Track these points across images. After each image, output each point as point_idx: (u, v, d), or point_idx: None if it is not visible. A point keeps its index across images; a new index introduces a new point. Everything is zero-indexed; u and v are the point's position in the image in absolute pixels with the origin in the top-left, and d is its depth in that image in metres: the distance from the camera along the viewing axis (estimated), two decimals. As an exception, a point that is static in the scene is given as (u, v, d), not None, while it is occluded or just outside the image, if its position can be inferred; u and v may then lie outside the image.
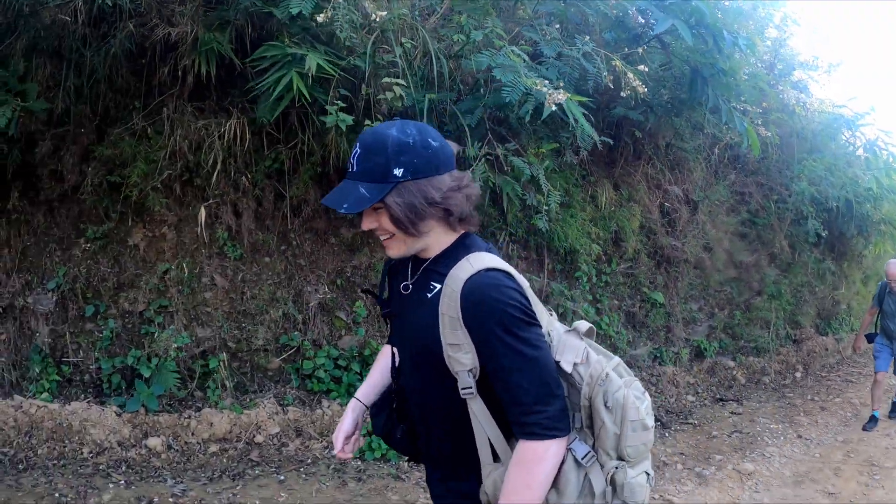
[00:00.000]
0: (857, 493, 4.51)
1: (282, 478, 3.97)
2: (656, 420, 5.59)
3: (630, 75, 3.86)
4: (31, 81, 4.02)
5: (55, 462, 3.86)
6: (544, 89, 3.33)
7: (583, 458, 1.40)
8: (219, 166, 4.27)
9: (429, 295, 1.47)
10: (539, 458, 1.36)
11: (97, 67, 4.00)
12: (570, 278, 5.35)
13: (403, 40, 3.68)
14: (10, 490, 3.53)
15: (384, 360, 1.80)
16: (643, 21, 5.42)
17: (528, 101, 3.58)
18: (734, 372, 6.94)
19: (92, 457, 3.95)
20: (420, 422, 1.61)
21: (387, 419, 1.70)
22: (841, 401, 6.95)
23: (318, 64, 3.46)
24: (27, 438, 3.97)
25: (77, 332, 4.33)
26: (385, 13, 3.60)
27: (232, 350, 4.50)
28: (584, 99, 3.73)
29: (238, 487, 3.84)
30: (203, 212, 4.37)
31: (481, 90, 3.84)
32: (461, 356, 1.39)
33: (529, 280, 5.11)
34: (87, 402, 4.19)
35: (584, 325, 1.53)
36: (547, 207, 4.19)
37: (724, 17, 5.56)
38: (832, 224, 7.81)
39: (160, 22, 3.84)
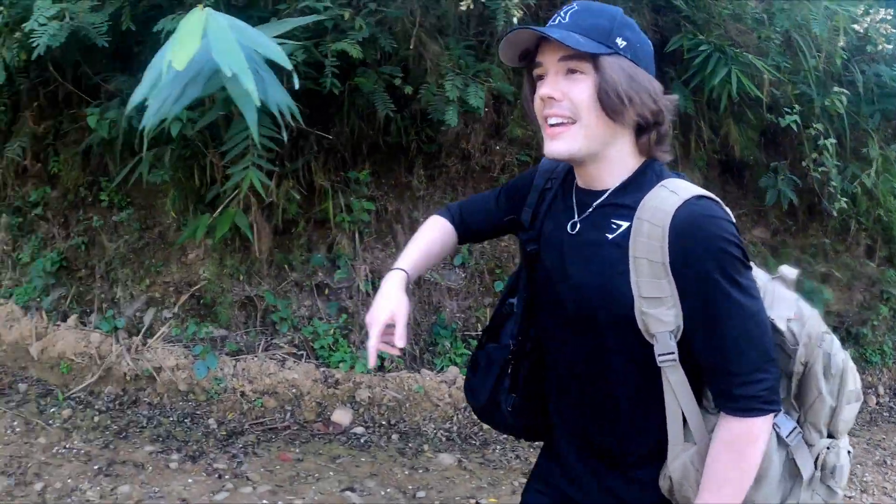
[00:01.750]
0: None
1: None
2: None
3: None
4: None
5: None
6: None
7: (788, 436, 1.12)
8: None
9: (609, 236, 1.14)
10: (755, 437, 1.08)
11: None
12: (894, 266, 5.66)
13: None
14: (483, 468, 3.59)
15: (438, 236, 1.43)
16: None
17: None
18: None
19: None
20: (573, 400, 1.28)
21: (494, 385, 1.38)
22: None
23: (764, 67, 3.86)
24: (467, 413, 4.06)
25: (478, 307, 4.51)
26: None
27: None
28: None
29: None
30: None
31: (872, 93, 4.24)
32: (662, 313, 1.08)
33: (864, 264, 5.48)
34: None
35: (791, 271, 1.24)
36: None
37: None
38: None
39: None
